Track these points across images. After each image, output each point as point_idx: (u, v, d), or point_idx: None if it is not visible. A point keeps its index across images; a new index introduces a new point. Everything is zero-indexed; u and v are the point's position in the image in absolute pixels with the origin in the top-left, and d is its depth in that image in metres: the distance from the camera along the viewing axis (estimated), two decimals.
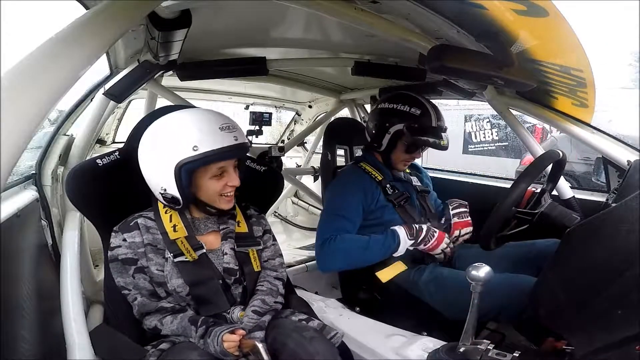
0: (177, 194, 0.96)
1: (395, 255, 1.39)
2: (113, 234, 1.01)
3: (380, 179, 1.51)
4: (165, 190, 0.97)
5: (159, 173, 0.96)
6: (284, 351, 0.91)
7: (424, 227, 1.41)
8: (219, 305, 1.00)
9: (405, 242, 1.38)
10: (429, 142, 1.46)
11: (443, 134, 1.47)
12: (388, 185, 1.51)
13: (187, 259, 0.99)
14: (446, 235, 1.43)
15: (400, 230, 1.39)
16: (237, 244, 1.07)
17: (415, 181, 1.63)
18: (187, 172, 0.93)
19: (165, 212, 1.03)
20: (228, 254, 1.04)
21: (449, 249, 1.43)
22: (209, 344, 0.91)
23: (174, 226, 1.01)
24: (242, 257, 1.06)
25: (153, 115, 1.15)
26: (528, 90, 1.30)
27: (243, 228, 1.10)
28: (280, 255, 1.18)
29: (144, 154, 0.99)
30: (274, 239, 1.19)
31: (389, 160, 1.55)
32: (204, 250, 1.01)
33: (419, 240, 1.39)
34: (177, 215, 1.03)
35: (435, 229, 1.43)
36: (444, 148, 1.46)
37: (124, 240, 0.99)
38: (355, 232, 1.44)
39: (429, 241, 1.40)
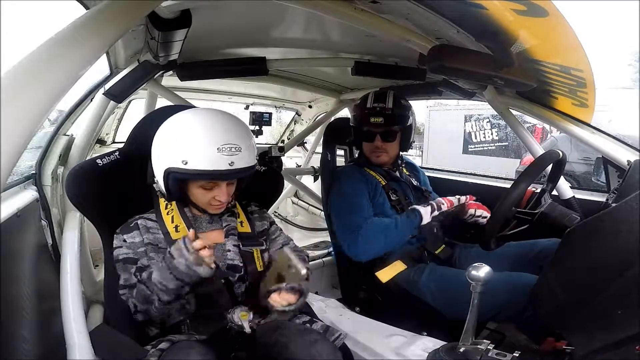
0: (164, 190, 1.00)
1: (423, 223, 1.41)
2: (115, 235, 1.02)
3: (384, 184, 1.52)
4: (157, 182, 1.01)
5: (154, 166, 1.00)
6: (287, 353, 0.90)
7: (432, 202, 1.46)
8: (221, 303, 1.00)
9: (425, 212, 1.40)
10: (362, 124, 1.51)
11: (380, 113, 1.48)
12: (391, 191, 1.52)
13: None
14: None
15: (418, 206, 1.43)
16: (242, 244, 1.07)
17: (413, 181, 1.63)
18: (174, 178, 0.95)
19: (167, 213, 1.04)
20: (232, 250, 1.04)
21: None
22: (180, 262, 0.88)
23: (176, 227, 1.02)
24: (247, 256, 1.06)
25: (156, 115, 1.16)
26: (528, 90, 1.30)
27: (246, 228, 1.11)
28: (292, 240, 1.20)
29: (153, 144, 1.01)
30: (281, 229, 1.21)
31: (366, 156, 1.57)
32: None
33: (434, 206, 1.42)
34: (178, 215, 1.04)
35: (433, 199, 1.47)
36: (376, 125, 1.48)
37: (124, 241, 1.00)
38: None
39: (442, 202, 1.43)
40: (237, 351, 0.99)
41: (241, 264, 1.04)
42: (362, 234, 1.40)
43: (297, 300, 0.94)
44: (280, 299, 0.93)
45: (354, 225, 1.42)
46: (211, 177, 0.96)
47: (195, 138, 0.93)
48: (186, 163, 0.92)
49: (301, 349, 0.89)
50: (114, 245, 1.01)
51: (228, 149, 0.92)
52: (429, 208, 1.41)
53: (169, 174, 0.94)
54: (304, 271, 0.88)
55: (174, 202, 1.05)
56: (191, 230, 0.95)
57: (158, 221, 1.03)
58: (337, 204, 1.54)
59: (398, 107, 1.49)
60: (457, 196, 1.48)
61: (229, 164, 0.93)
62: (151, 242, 1.00)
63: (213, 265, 0.90)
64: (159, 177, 0.98)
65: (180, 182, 0.98)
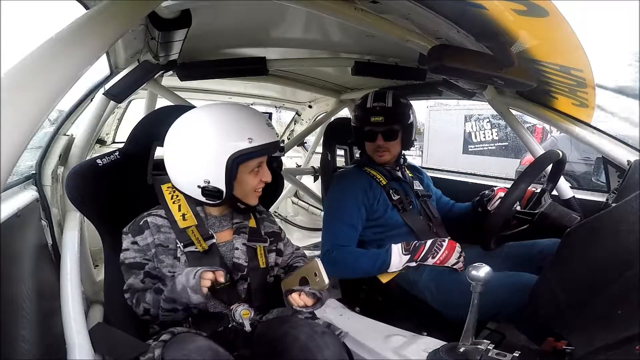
0: (223, 186, 0.96)
1: (389, 270, 1.36)
2: (123, 235, 1.01)
3: (384, 183, 1.52)
4: (208, 182, 0.96)
5: (203, 166, 0.96)
6: (296, 344, 0.91)
7: (428, 241, 1.35)
8: (224, 299, 1.00)
9: (399, 258, 1.34)
10: (363, 124, 1.50)
11: (381, 112, 1.46)
12: (392, 190, 1.51)
13: (197, 249, 0.98)
14: (457, 244, 1.36)
15: (395, 247, 1.36)
16: (247, 238, 1.07)
17: (417, 185, 1.63)
18: (237, 165, 0.95)
19: (173, 203, 1.03)
20: (239, 249, 1.04)
21: (462, 258, 1.34)
22: (181, 280, 0.89)
23: (183, 215, 1.01)
24: (250, 251, 1.06)
25: (156, 115, 1.16)
26: (528, 90, 1.30)
27: (252, 223, 1.11)
28: (300, 248, 1.25)
29: (177, 148, 0.98)
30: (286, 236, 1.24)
31: (368, 156, 1.57)
32: (214, 241, 1.01)
33: (421, 255, 1.34)
34: (185, 205, 1.03)
35: (443, 239, 1.36)
36: (377, 125, 1.47)
37: (134, 243, 0.98)
38: (357, 236, 1.45)
39: (437, 253, 1.33)
40: (240, 349, 0.99)
41: (245, 264, 1.04)
42: (327, 258, 1.40)
43: (313, 305, 0.98)
44: (299, 300, 0.97)
45: (329, 243, 1.43)
46: (270, 150, 1.00)
47: (251, 118, 0.98)
48: (252, 141, 0.94)
49: (310, 339, 0.91)
50: (123, 247, 1.00)
51: (268, 124, 1.01)
52: (406, 257, 1.34)
53: (234, 160, 0.94)
54: (327, 281, 0.94)
55: (180, 194, 1.04)
56: (220, 271, 0.92)
57: (167, 216, 1.02)
58: (326, 211, 1.55)
59: (398, 105, 1.49)
60: (462, 255, 1.35)
61: (276, 135, 1.02)
62: (162, 243, 0.99)
63: (205, 291, 0.90)
64: (215, 173, 0.95)
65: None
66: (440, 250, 1.33)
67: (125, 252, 0.99)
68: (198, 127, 0.96)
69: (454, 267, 1.34)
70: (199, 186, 0.97)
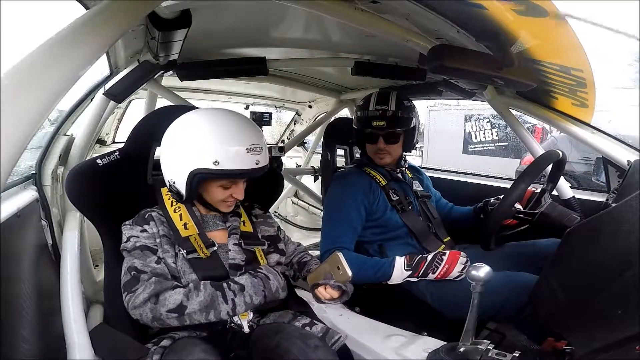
0: (183, 191, 0.99)
1: (389, 282, 1.33)
2: (127, 226, 1.01)
3: (384, 183, 1.51)
4: (173, 183, 1.00)
5: (172, 167, 0.99)
6: (288, 357, 0.90)
7: (429, 256, 1.31)
8: None
9: (401, 272, 1.32)
10: (365, 126, 1.49)
11: (383, 116, 1.45)
12: (391, 191, 1.51)
13: (199, 256, 0.99)
14: (461, 254, 1.30)
15: (398, 260, 1.33)
16: (244, 242, 1.08)
17: (417, 186, 1.63)
18: (201, 179, 0.96)
19: (174, 211, 1.04)
20: (232, 249, 1.05)
21: (467, 269, 1.24)
22: (270, 279, 0.98)
23: (185, 224, 1.03)
24: (249, 254, 1.07)
25: (156, 115, 1.16)
26: (528, 90, 1.30)
27: (248, 227, 1.12)
28: (300, 243, 1.29)
29: (166, 144, 1.01)
30: (284, 232, 1.25)
31: (369, 156, 1.56)
32: (215, 248, 1.02)
33: (422, 271, 1.30)
34: (186, 213, 1.04)
35: (444, 252, 1.31)
36: (379, 128, 1.46)
37: (144, 231, 1.00)
38: (357, 237, 1.44)
39: (437, 268, 1.28)
40: (237, 350, 0.99)
41: (243, 263, 1.04)
42: None
43: (339, 297, 1.03)
44: (325, 293, 1.01)
45: (329, 244, 1.41)
46: (239, 177, 0.98)
47: (226, 139, 0.94)
48: (218, 163, 0.93)
49: (303, 353, 0.90)
50: (129, 235, 0.99)
51: (254, 149, 0.96)
52: (408, 273, 1.31)
53: (195, 175, 0.94)
54: (350, 273, 0.96)
55: None
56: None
57: (166, 218, 1.04)
58: (326, 211, 1.54)
59: (401, 109, 1.47)
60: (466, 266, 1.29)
61: (256, 163, 0.96)
62: (166, 234, 1.01)
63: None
64: (179, 178, 0.97)
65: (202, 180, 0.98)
66: (440, 264, 1.29)
67: (135, 238, 0.98)
68: (179, 131, 0.99)
69: (457, 279, 1.27)
70: (168, 182, 1.01)
